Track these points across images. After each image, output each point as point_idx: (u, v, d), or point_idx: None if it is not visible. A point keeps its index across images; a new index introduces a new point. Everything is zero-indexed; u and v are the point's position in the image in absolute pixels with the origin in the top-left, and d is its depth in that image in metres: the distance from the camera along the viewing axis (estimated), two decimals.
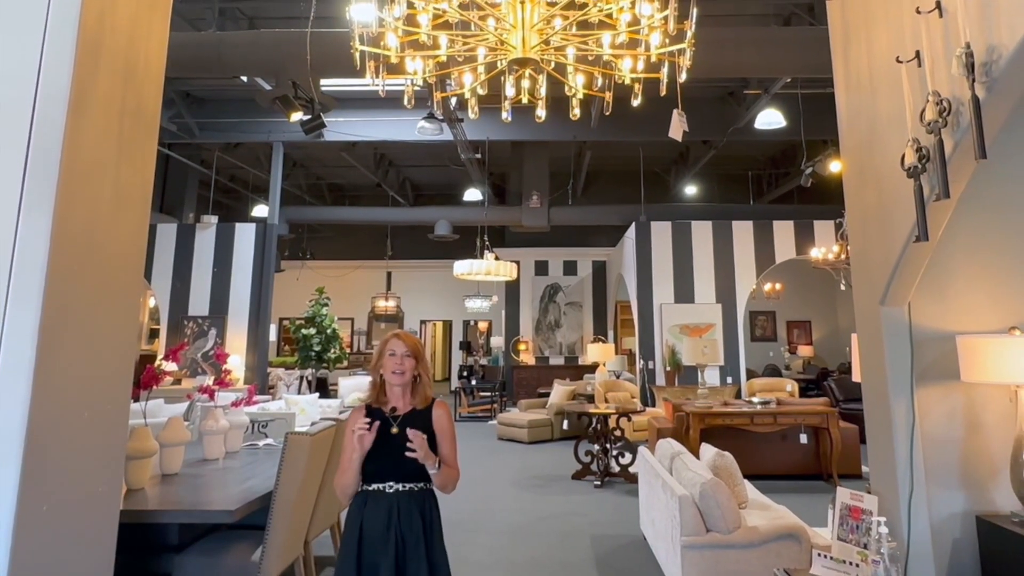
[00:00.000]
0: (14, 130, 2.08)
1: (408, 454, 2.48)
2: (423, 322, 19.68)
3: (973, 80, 2.10)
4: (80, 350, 2.24)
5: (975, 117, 2.07)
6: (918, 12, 2.47)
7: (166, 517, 3.39)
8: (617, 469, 7.86)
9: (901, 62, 2.60)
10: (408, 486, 2.59)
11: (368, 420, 2.55)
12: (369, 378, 2.81)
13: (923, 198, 2.44)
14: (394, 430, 2.60)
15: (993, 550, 2.65)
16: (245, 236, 12.12)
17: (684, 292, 11.90)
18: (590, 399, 10.86)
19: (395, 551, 2.51)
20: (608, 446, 7.95)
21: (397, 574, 2.51)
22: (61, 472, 2.15)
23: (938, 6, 2.38)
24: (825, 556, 2.81)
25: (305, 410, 7.54)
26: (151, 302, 14.65)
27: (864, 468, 7.50)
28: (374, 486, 2.58)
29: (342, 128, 11.33)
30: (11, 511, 1.94)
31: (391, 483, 2.58)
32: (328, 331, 14.10)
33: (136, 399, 3.56)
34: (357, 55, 2.92)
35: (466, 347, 19.13)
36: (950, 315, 2.90)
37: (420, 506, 2.61)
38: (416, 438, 2.48)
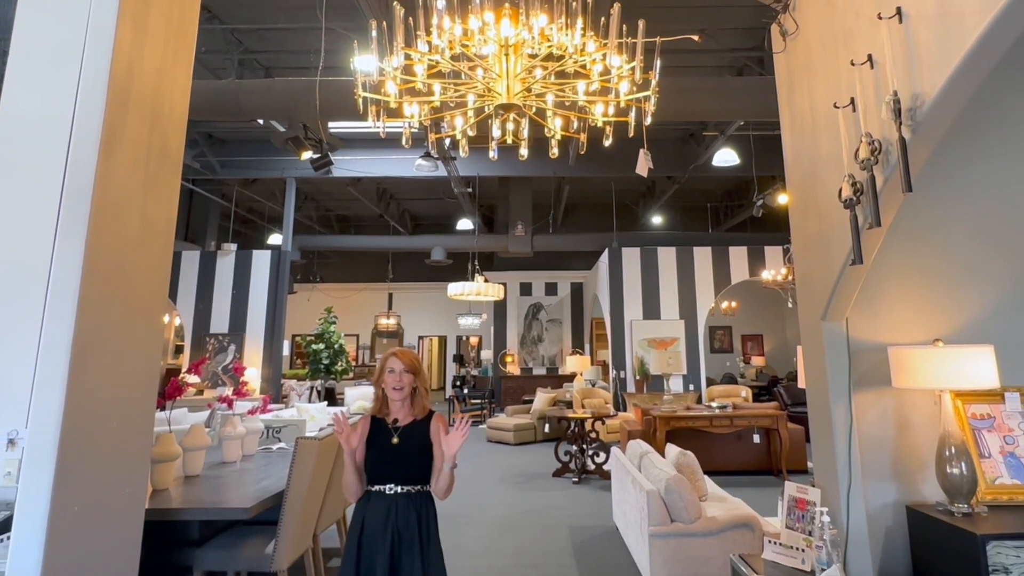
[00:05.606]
0: (51, 167, 2.07)
1: (444, 446, 2.55)
2: (421, 338, 19.57)
3: (900, 123, 2.13)
4: (109, 365, 2.21)
5: (902, 156, 2.10)
6: (852, 64, 2.52)
7: (188, 515, 3.33)
8: (593, 467, 7.82)
9: (838, 107, 2.64)
10: (406, 488, 2.56)
11: (352, 424, 2.60)
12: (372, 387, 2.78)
13: (858, 226, 2.47)
14: (395, 440, 2.58)
15: (921, 535, 2.66)
16: (261, 262, 12.00)
17: (651, 310, 11.91)
18: (569, 405, 10.81)
19: (391, 546, 2.47)
20: (585, 447, 7.91)
21: (392, 568, 2.46)
22: (91, 476, 2.11)
23: (869, 59, 2.42)
24: (775, 542, 2.81)
25: (315, 417, 7.44)
26: (176, 321, 14.47)
27: (809, 464, 7.48)
28: (376, 487, 2.56)
29: (348, 165, 11.31)
30: (45, 512, 1.90)
31: (391, 485, 2.55)
32: (336, 346, 13.98)
33: (162, 408, 3.51)
34: (360, 101, 2.93)
35: (459, 360, 19.02)
36: (882, 329, 2.92)
37: (417, 506, 2.57)
38: (460, 430, 2.56)
